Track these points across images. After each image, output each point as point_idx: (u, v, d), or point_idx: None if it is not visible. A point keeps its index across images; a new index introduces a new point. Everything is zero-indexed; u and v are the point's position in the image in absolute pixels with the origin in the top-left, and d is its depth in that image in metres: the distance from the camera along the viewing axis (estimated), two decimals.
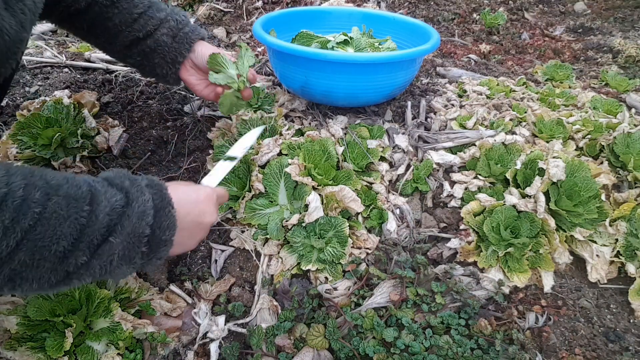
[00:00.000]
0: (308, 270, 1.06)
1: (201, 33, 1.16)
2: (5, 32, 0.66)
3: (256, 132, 1.14)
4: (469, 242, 1.12)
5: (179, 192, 0.79)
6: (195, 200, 0.81)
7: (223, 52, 1.11)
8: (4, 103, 1.48)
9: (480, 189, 1.23)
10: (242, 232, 1.15)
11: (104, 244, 0.65)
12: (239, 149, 1.07)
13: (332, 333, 0.91)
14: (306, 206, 1.08)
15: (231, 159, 1.04)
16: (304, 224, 1.07)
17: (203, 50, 1.14)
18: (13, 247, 0.57)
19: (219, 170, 1.00)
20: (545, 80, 1.98)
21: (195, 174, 1.30)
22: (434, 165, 1.30)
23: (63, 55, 1.81)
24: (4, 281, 0.60)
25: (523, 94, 1.69)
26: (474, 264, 1.09)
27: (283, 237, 1.07)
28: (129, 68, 1.78)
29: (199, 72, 1.18)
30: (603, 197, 1.16)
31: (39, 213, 0.59)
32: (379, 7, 2.74)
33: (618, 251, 1.11)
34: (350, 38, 1.53)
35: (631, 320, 1.02)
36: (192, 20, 2.44)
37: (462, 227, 1.16)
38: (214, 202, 0.85)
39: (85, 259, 0.64)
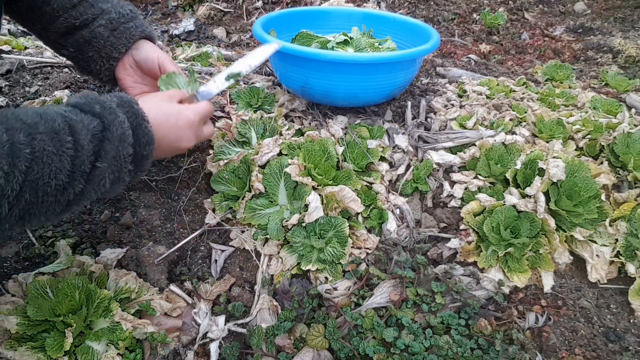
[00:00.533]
0: (308, 270, 1.06)
1: (147, 31, 1.06)
2: None
3: (267, 49, 1.04)
4: (469, 242, 1.12)
5: (151, 107, 0.81)
6: (174, 125, 0.84)
7: (179, 71, 1.03)
8: (3, 102, 1.48)
9: (480, 189, 1.23)
10: (242, 232, 1.15)
11: (94, 170, 0.69)
12: (243, 65, 1.00)
13: (332, 333, 0.91)
14: (306, 206, 1.08)
15: (234, 76, 0.97)
16: (304, 224, 1.07)
17: (148, 50, 1.05)
18: (18, 190, 0.60)
19: (218, 85, 0.95)
20: (545, 80, 1.98)
21: (195, 174, 1.30)
22: (434, 165, 1.30)
23: None
24: (15, 220, 0.63)
25: (523, 94, 1.69)
26: (474, 264, 1.09)
27: (283, 237, 1.07)
28: None
29: (137, 74, 1.08)
30: (603, 197, 1.16)
31: (30, 153, 0.61)
32: (379, 7, 2.75)
33: (618, 251, 1.11)
34: (350, 38, 1.53)
35: (631, 320, 1.02)
36: (191, 21, 2.44)
37: (462, 227, 1.16)
38: (194, 128, 0.88)
39: (81, 187, 0.67)
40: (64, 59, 1.18)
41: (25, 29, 1.14)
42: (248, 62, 1.04)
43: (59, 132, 0.65)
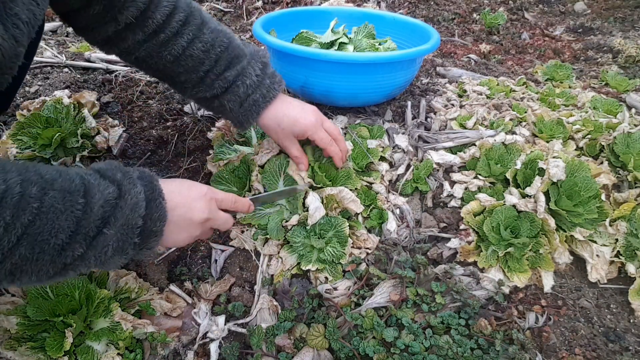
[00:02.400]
0: (308, 270, 1.06)
1: (271, 94, 1.03)
2: (2, 48, 0.65)
3: (295, 190, 1.10)
4: (469, 242, 1.12)
5: (169, 185, 0.80)
6: (186, 196, 0.82)
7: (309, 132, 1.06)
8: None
9: (480, 189, 1.23)
10: (242, 232, 1.15)
11: (99, 236, 0.66)
12: (269, 196, 1.09)
13: (332, 333, 0.91)
14: (303, 205, 1.08)
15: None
16: (307, 226, 1.07)
17: (276, 112, 1.05)
18: (14, 242, 0.58)
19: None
20: (545, 80, 1.98)
21: (195, 174, 1.30)
22: (434, 165, 1.30)
23: (63, 55, 1.81)
24: (4, 275, 0.61)
25: (523, 93, 1.69)
26: (474, 264, 1.09)
27: (283, 237, 1.07)
28: (129, 68, 1.78)
29: (274, 127, 1.08)
30: (603, 197, 1.15)
31: (37, 208, 0.60)
32: (379, 7, 2.74)
33: (618, 251, 1.11)
34: (350, 39, 1.53)
35: (631, 320, 1.02)
36: None
37: (462, 227, 1.16)
38: (206, 200, 0.85)
39: (81, 251, 0.65)
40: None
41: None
42: (277, 196, 1.10)
43: (73, 193, 0.64)
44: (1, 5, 0.63)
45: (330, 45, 1.48)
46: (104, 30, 0.92)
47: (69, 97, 1.34)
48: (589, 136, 1.41)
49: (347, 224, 1.07)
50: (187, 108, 1.54)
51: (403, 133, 1.40)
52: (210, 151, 1.29)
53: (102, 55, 1.82)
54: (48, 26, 2.21)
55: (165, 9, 0.93)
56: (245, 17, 2.58)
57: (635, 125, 1.44)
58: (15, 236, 0.58)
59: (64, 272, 0.66)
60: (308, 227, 1.06)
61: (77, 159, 1.23)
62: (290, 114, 1.05)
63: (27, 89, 1.58)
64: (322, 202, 1.09)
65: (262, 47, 1.09)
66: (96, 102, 1.40)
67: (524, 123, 1.47)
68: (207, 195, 0.86)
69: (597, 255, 1.10)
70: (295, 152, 1.10)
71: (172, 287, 1.03)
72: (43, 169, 0.64)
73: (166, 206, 0.76)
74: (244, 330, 0.97)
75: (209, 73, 1.00)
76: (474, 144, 1.34)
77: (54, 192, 0.62)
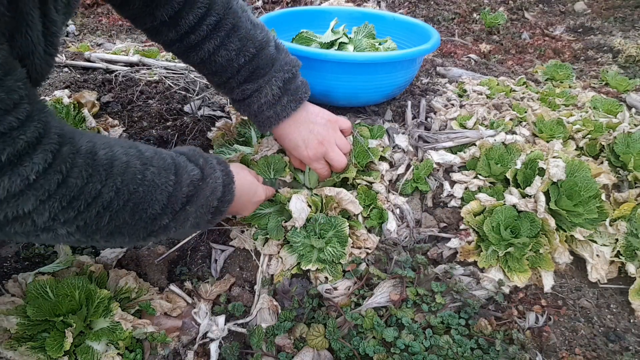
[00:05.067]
0: (308, 270, 1.06)
1: (284, 113, 1.04)
2: (44, 71, 0.68)
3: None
4: (469, 242, 1.12)
5: (240, 176, 0.90)
6: (247, 200, 0.95)
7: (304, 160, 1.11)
8: None
9: (480, 189, 1.23)
10: (242, 232, 1.15)
11: (182, 211, 0.74)
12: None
13: (332, 333, 0.91)
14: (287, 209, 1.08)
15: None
16: (297, 229, 1.06)
17: (284, 132, 1.07)
18: (121, 206, 0.65)
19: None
20: (546, 80, 1.98)
21: None
22: (434, 165, 1.30)
23: (63, 55, 1.81)
24: (105, 234, 0.67)
25: (523, 93, 1.69)
26: (474, 263, 1.09)
27: (283, 237, 1.07)
28: (128, 68, 1.78)
29: (281, 142, 1.14)
30: (603, 197, 1.15)
31: (141, 179, 0.67)
32: (379, 7, 2.74)
33: (618, 251, 1.11)
34: (350, 38, 1.53)
35: (631, 320, 1.02)
36: None
37: (462, 227, 1.16)
38: (257, 205, 1.02)
39: (167, 222, 0.73)
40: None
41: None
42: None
43: (167, 170, 0.72)
44: (44, 21, 0.63)
45: (330, 45, 1.48)
46: (144, 22, 0.96)
47: (69, 97, 1.34)
48: (589, 136, 1.41)
49: (347, 224, 1.07)
50: (187, 108, 1.54)
51: (403, 133, 1.40)
52: (211, 151, 1.29)
53: (102, 55, 1.82)
54: None
55: (199, 10, 0.93)
56: None
57: (636, 125, 1.44)
58: (123, 201, 0.65)
59: (149, 238, 0.73)
60: (298, 230, 1.06)
61: None
62: (293, 139, 1.07)
63: None
64: (322, 202, 1.09)
65: (294, 58, 1.08)
66: (96, 102, 1.40)
67: (524, 123, 1.47)
68: (260, 202, 1.02)
69: (597, 255, 1.10)
70: (295, 164, 1.18)
71: (172, 287, 1.03)
72: (142, 147, 0.72)
73: (235, 191, 0.86)
74: (244, 330, 0.97)
75: (230, 80, 1.02)
76: (474, 144, 1.34)
77: (153, 168, 0.70)
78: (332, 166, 1.12)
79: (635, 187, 1.25)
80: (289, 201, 1.06)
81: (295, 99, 1.05)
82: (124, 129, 1.38)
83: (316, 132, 1.08)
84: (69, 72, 1.71)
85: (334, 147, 1.10)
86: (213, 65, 1.00)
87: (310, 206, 1.08)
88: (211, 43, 0.96)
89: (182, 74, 1.77)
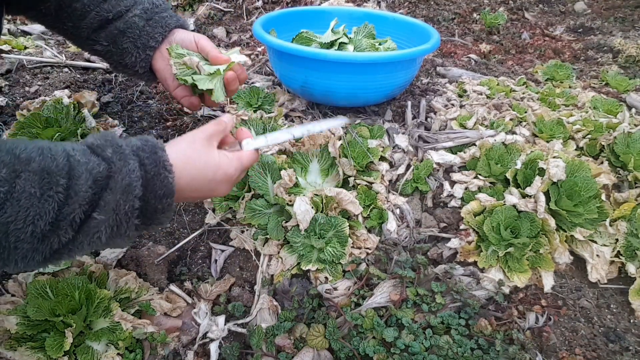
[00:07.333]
0: (308, 270, 1.06)
1: (181, 20, 1.05)
2: None
3: (332, 123, 1.01)
4: (469, 242, 1.11)
5: (181, 156, 0.72)
6: (210, 179, 0.76)
7: (213, 51, 1.00)
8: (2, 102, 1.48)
9: (480, 189, 1.23)
10: (242, 232, 1.15)
11: (88, 220, 0.60)
12: (300, 130, 0.94)
13: (332, 333, 0.91)
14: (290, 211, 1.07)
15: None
16: (301, 231, 1.06)
17: (184, 35, 1.03)
18: None
19: (268, 140, 0.88)
20: (546, 80, 1.98)
21: None
22: (434, 165, 1.30)
23: (63, 55, 1.81)
24: None
25: (523, 93, 1.69)
26: (474, 264, 1.09)
27: (283, 237, 1.07)
28: None
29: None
30: (603, 197, 1.15)
31: (6, 192, 0.53)
32: (379, 7, 2.74)
33: (618, 251, 1.11)
34: (350, 39, 1.53)
35: (631, 320, 1.02)
36: (191, 20, 2.45)
37: (462, 227, 1.16)
38: (232, 181, 0.81)
39: (69, 236, 0.59)
40: (97, 56, 1.17)
41: (53, 31, 1.12)
42: (307, 127, 0.96)
43: (53, 174, 0.57)
44: None
45: (330, 45, 1.48)
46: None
47: (69, 97, 1.34)
48: (589, 136, 1.41)
49: (347, 224, 1.07)
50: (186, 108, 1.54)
51: (403, 133, 1.40)
52: None
53: None
54: None
55: None
56: (245, 17, 2.58)
57: (636, 125, 1.44)
58: None
59: (57, 256, 0.60)
60: (302, 232, 1.06)
61: None
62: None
63: (27, 88, 1.58)
64: (322, 202, 1.09)
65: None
66: (96, 102, 1.40)
67: (524, 123, 1.47)
68: (234, 179, 0.81)
69: (597, 255, 1.10)
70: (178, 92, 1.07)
71: (172, 287, 1.03)
72: (20, 147, 0.57)
73: (173, 181, 0.68)
74: (244, 330, 0.97)
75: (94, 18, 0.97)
76: (474, 144, 1.34)
77: (28, 174, 0.55)
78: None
79: (635, 187, 1.25)
80: (289, 204, 1.06)
81: (162, 25, 1.02)
82: (124, 129, 1.38)
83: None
84: (69, 72, 1.71)
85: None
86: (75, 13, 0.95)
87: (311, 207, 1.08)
88: None
89: None
